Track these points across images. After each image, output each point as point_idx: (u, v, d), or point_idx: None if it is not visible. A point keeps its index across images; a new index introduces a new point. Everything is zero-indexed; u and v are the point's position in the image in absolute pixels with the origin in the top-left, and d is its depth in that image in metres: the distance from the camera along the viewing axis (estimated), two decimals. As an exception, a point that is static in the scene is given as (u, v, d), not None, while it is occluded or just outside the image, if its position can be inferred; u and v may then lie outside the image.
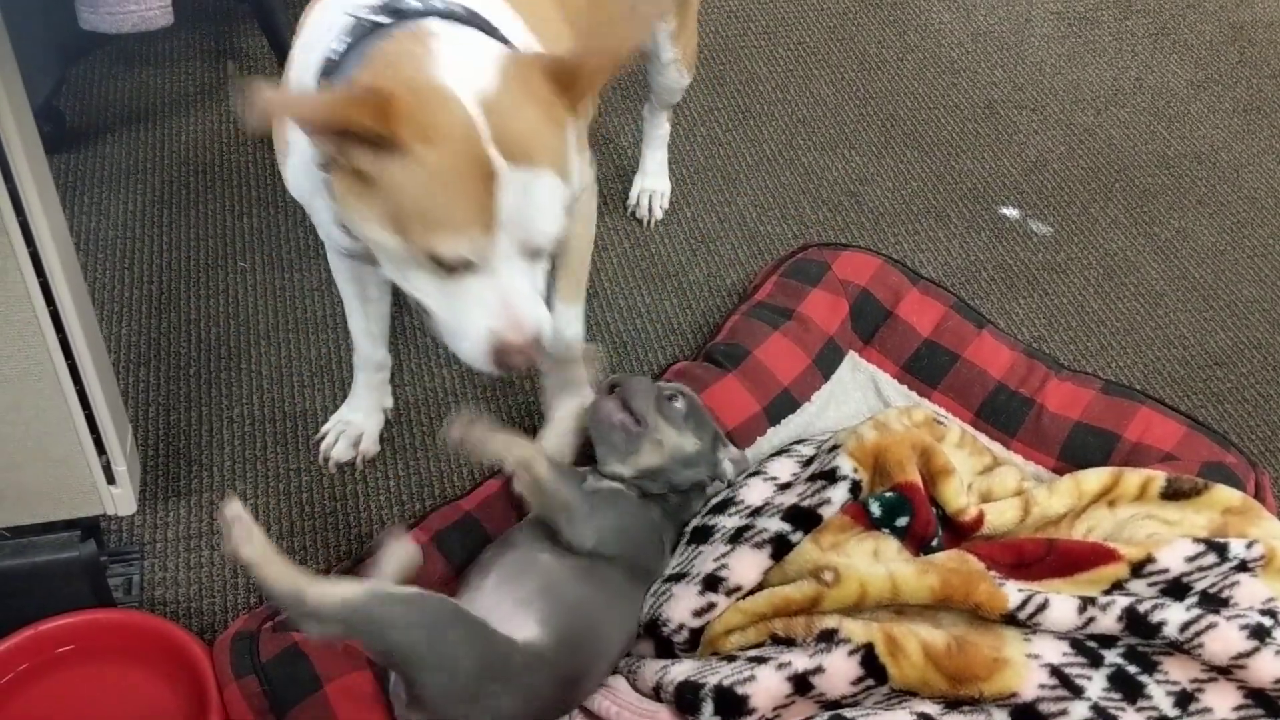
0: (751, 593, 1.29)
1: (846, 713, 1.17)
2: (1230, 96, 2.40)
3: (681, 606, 1.28)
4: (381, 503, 1.55)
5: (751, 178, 2.11)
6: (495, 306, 1.05)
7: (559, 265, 1.44)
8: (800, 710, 1.20)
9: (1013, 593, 1.21)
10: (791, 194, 2.08)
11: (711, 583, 1.28)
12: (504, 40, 1.12)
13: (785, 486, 1.40)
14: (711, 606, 1.27)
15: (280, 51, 2.02)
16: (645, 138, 2.01)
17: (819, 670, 1.19)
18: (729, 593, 1.28)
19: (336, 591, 1.08)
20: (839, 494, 1.34)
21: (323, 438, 1.59)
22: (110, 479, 1.32)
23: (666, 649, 1.29)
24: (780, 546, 1.31)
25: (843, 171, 2.13)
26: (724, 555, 1.30)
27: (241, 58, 2.30)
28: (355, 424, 1.59)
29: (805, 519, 1.33)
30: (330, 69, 1.10)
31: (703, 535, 1.36)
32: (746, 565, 1.29)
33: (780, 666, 1.20)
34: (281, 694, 1.20)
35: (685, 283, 1.89)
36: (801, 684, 1.19)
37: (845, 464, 1.37)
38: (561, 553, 1.25)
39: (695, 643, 1.28)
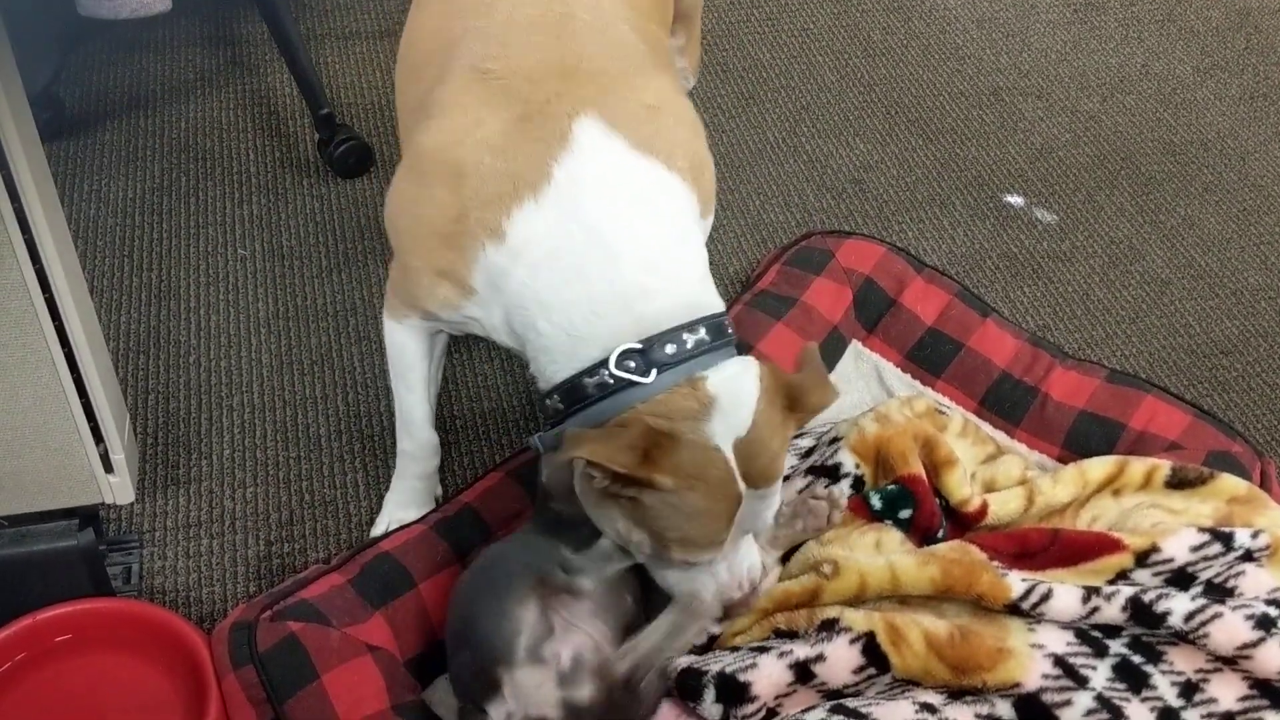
0: None
1: (848, 702, 1.16)
2: (1237, 83, 2.38)
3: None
4: (382, 491, 1.54)
5: (754, 165, 2.09)
6: (725, 578, 1.20)
7: None
8: (802, 699, 1.19)
9: (1016, 583, 1.20)
10: (795, 181, 2.06)
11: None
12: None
13: (784, 480, 1.39)
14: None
15: (280, 39, 2.01)
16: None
17: (820, 658, 1.18)
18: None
19: None
20: (842, 491, 1.34)
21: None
22: (108, 468, 1.31)
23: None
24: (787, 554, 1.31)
25: (846, 159, 2.12)
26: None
27: (241, 44, 2.29)
28: (407, 520, 1.43)
29: None
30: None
31: None
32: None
33: (781, 655, 1.19)
34: (279, 684, 1.19)
35: (687, 271, 1.88)
36: (803, 672, 1.18)
37: (847, 460, 1.36)
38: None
39: (708, 648, 1.28)
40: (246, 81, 2.22)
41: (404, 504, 1.46)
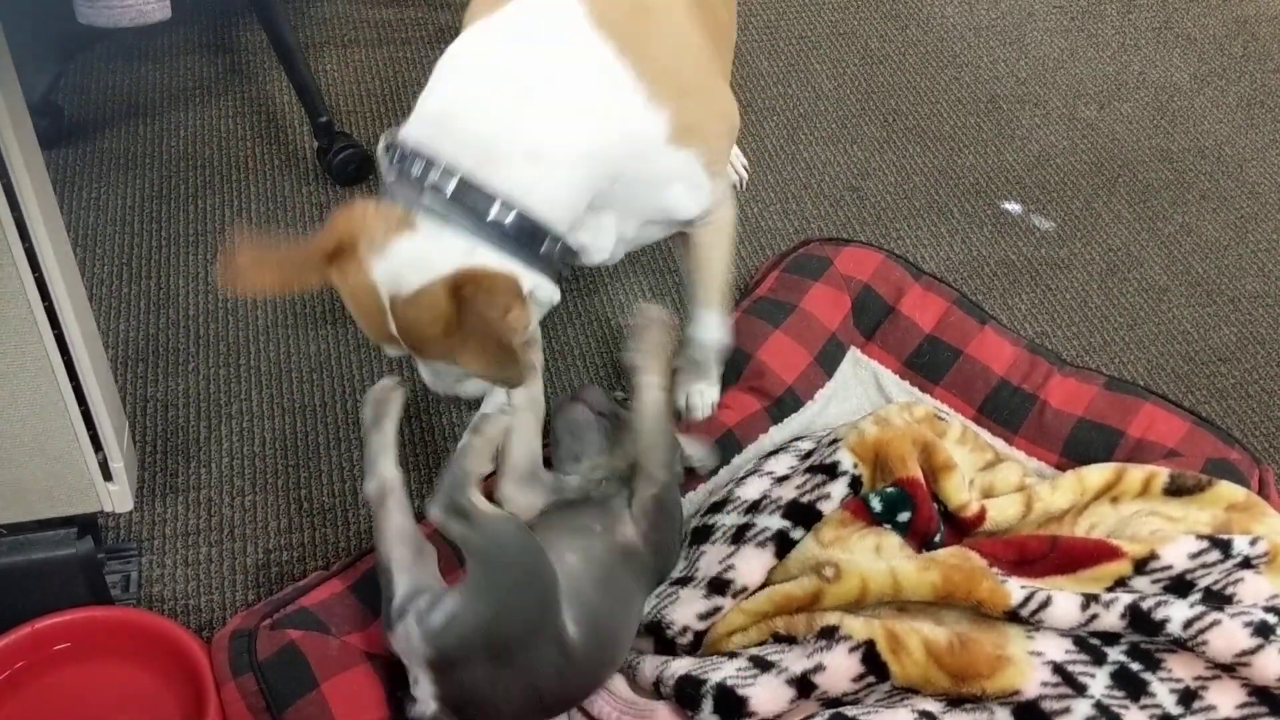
0: (754, 592, 1.28)
1: (848, 711, 1.16)
2: (1234, 91, 2.38)
3: (687, 610, 1.27)
4: (380, 499, 1.54)
5: (753, 172, 2.09)
6: (428, 378, 1.27)
7: (696, 273, 1.45)
8: (802, 710, 1.19)
9: (1015, 590, 1.20)
10: (793, 189, 2.07)
11: (718, 586, 1.28)
12: (496, 231, 1.13)
13: (782, 479, 1.39)
14: (717, 610, 1.27)
15: (279, 47, 2.01)
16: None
17: (819, 668, 1.19)
18: (735, 594, 1.27)
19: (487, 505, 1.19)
20: (838, 489, 1.33)
21: None
22: (107, 476, 1.31)
23: (668, 648, 1.28)
24: (782, 544, 1.30)
25: (844, 166, 2.12)
26: (729, 556, 1.30)
27: (239, 52, 2.29)
28: None
29: (805, 514, 1.32)
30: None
31: (703, 535, 1.35)
32: (751, 566, 1.29)
33: (780, 672, 1.19)
34: (278, 692, 1.19)
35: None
36: (804, 685, 1.18)
37: (845, 459, 1.36)
38: (586, 557, 1.24)
39: (698, 644, 1.28)
40: (245, 89, 2.22)
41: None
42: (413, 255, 1.11)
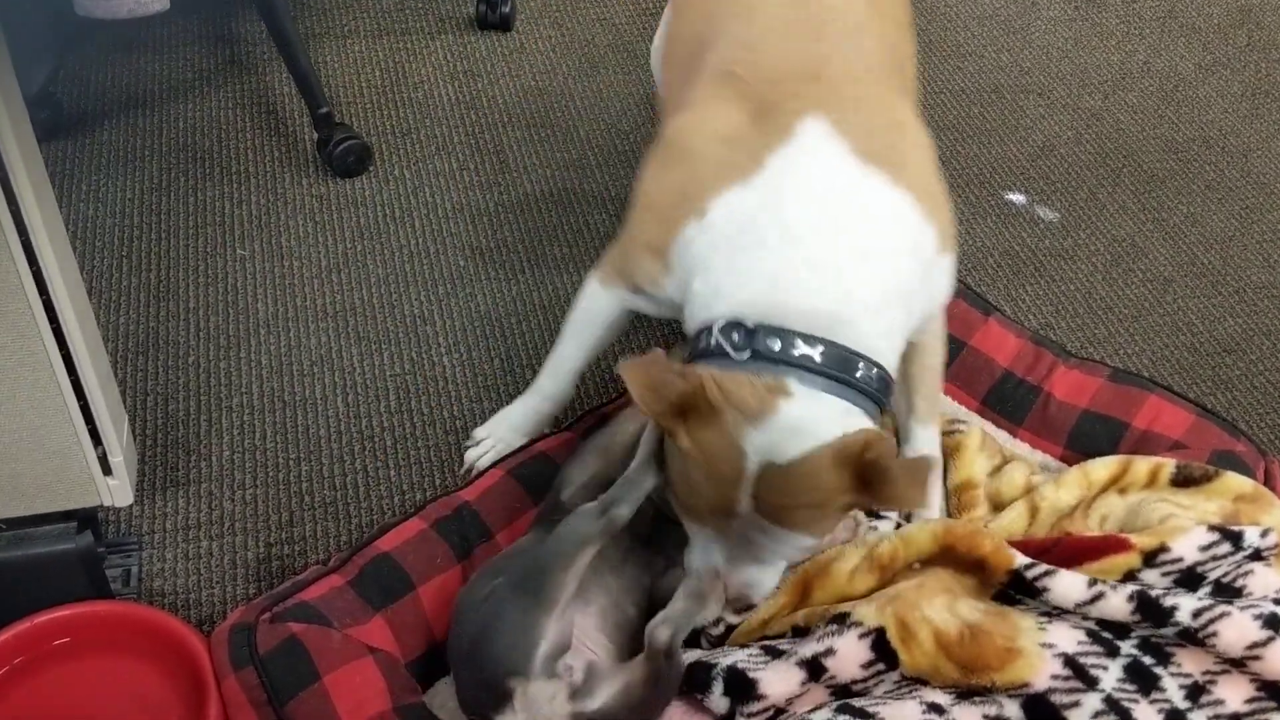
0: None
1: (855, 701, 1.16)
2: (1239, 80, 2.37)
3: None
4: (382, 492, 1.54)
5: (755, 163, 2.08)
6: (697, 563, 1.22)
7: (919, 382, 1.40)
8: (812, 698, 1.19)
9: (1019, 554, 1.20)
10: (795, 180, 2.05)
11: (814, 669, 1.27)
12: (863, 391, 1.13)
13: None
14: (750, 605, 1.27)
15: (279, 38, 2.00)
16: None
17: (830, 652, 1.18)
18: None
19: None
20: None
21: (474, 444, 1.53)
22: (106, 470, 1.30)
23: (693, 638, 1.27)
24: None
25: (847, 157, 2.11)
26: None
27: (239, 43, 2.28)
28: (509, 444, 1.50)
29: None
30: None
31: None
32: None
33: (790, 656, 1.19)
34: (280, 686, 1.18)
35: (688, 270, 1.87)
36: (814, 668, 1.18)
37: None
38: (619, 572, 1.23)
39: (726, 636, 1.27)
40: (245, 81, 2.21)
41: (515, 426, 1.52)
42: (795, 423, 1.09)
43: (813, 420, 1.09)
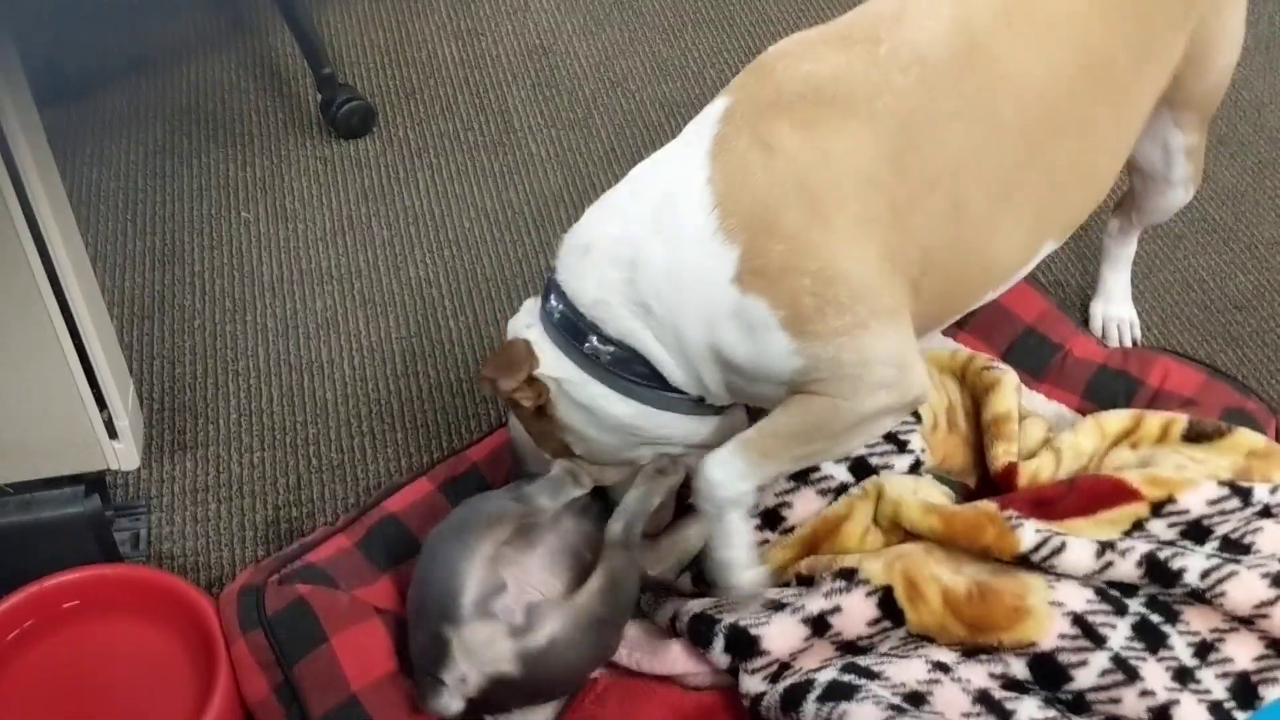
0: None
1: (861, 660, 1.16)
2: (1251, 33, 2.32)
3: None
4: (389, 455, 1.54)
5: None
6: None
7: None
8: (818, 653, 1.19)
9: (1028, 534, 1.19)
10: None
11: (771, 519, 1.28)
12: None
13: None
14: (764, 543, 1.27)
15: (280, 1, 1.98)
16: (1109, 256, 1.69)
17: (836, 610, 1.19)
18: (783, 531, 1.28)
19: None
20: (902, 463, 1.33)
21: None
22: (112, 434, 1.30)
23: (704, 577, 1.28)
24: (840, 495, 1.31)
25: (855, 114, 2.09)
26: (787, 493, 1.30)
27: (242, 4, 2.26)
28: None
29: (869, 473, 1.32)
30: None
31: None
32: (810, 509, 1.29)
33: (795, 611, 1.19)
34: (288, 647, 1.19)
35: (695, 230, 1.86)
36: (819, 624, 1.18)
37: (916, 442, 1.35)
38: (580, 517, 1.25)
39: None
40: (248, 42, 2.19)
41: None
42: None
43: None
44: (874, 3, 1.20)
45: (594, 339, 1.14)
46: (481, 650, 1.12)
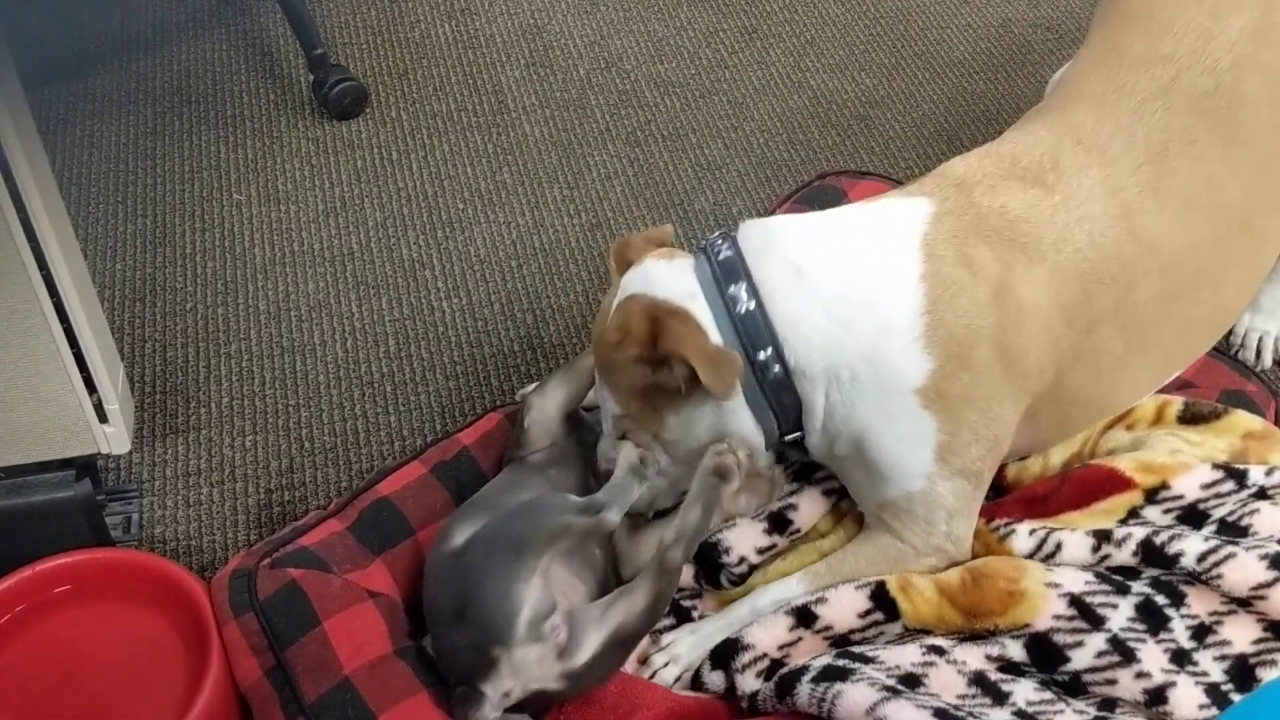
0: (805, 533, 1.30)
1: (855, 648, 1.16)
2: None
3: (747, 541, 1.26)
4: (382, 438, 1.53)
5: (758, 102, 2.05)
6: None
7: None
8: (808, 648, 1.19)
9: (1021, 541, 1.20)
10: (800, 118, 2.02)
11: (779, 524, 1.27)
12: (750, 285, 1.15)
13: None
14: (773, 546, 1.27)
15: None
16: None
17: (821, 600, 1.18)
18: (791, 535, 1.28)
19: None
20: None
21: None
22: (102, 417, 1.29)
23: (713, 576, 1.27)
24: (843, 497, 1.30)
25: (852, 94, 2.08)
26: (792, 494, 1.29)
27: (233, -16, 2.25)
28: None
29: None
30: None
31: None
32: (815, 510, 1.29)
33: (778, 605, 1.20)
34: (280, 631, 1.18)
35: (690, 211, 1.85)
36: (804, 615, 1.18)
37: None
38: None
39: (748, 576, 1.27)
40: (239, 22, 2.17)
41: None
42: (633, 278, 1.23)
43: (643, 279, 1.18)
44: (1027, 139, 1.23)
45: (770, 351, 1.14)
46: (530, 669, 1.11)
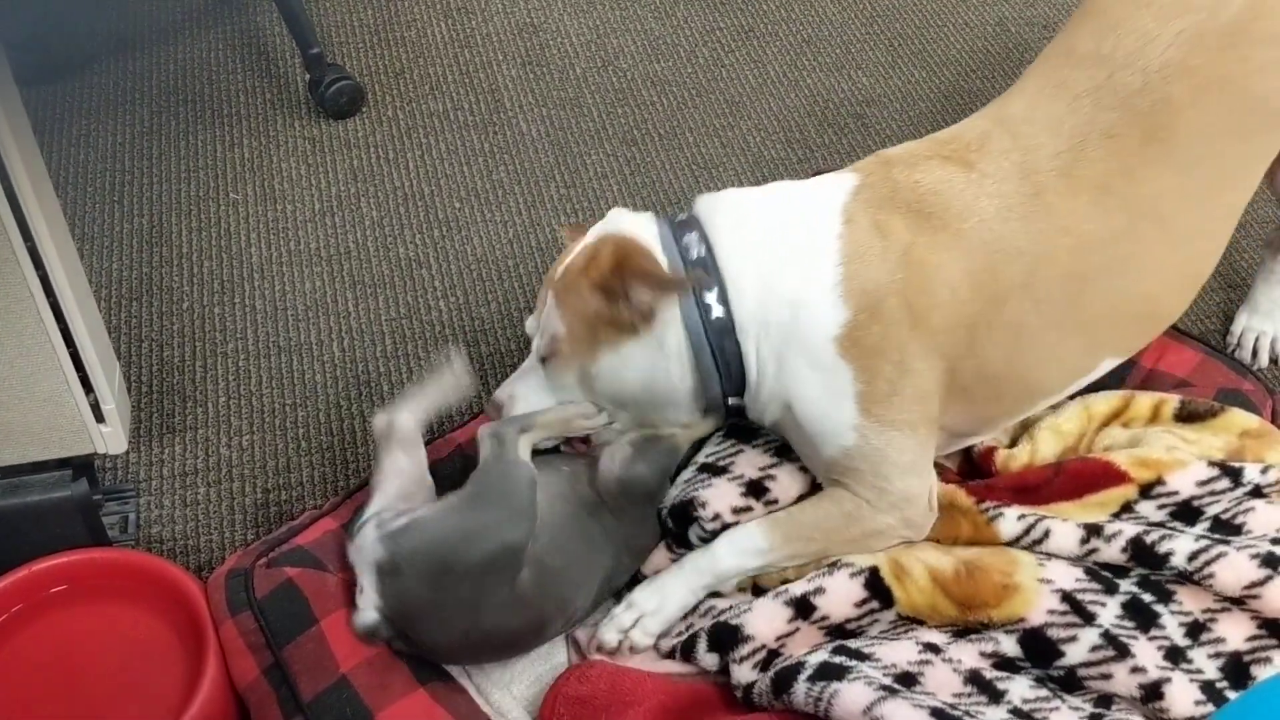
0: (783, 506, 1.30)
1: (851, 643, 1.16)
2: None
3: (723, 500, 1.27)
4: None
5: (755, 100, 2.05)
6: None
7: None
8: (805, 639, 1.19)
9: (1008, 524, 1.21)
10: (796, 117, 2.02)
11: (756, 490, 1.28)
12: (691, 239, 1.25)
13: None
14: (749, 509, 1.27)
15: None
16: (1265, 269, 1.67)
17: (819, 591, 1.19)
18: (767, 504, 1.28)
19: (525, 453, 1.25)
20: None
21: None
22: (99, 417, 1.29)
23: (681, 539, 1.28)
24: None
25: (848, 93, 2.08)
26: (771, 467, 1.30)
27: (229, -17, 2.24)
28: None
29: None
30: None
31: (746, 435, 1.34)
32: (791, 482, 1.30)
33: (777, 595, 1.20)
34: (277, 629, 1.18)
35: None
36: (802, 606, 1.19)
37: None
38: (551, 496, 1.24)
39: (716, 535, 1.27)
40: (235, 21, 2.17)
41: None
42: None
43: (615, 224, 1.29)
44: (964, 126, 1.33)
45: (716, 291, 1.22)
46: (360, 553, 1.19)
